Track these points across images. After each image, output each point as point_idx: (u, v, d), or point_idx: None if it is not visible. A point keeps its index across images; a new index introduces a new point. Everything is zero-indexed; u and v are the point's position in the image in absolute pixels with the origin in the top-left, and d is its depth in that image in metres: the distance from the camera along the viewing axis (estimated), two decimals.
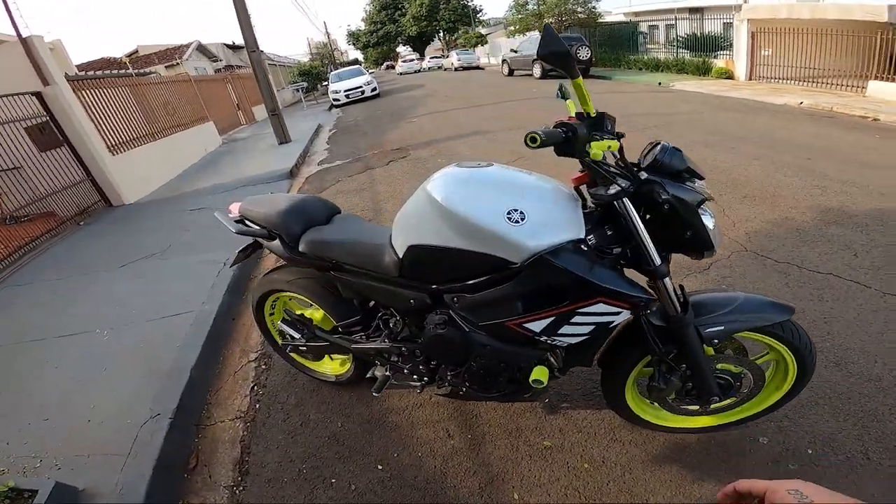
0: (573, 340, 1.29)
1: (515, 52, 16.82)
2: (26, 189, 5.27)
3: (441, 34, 41.96)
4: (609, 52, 15.44)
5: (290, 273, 1.85)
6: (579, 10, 18.68)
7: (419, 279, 1.41)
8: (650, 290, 1.27)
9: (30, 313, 3.39)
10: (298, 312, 1.97)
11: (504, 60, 17.98)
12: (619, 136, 1.18)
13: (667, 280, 1.24)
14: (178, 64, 15.34)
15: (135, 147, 7.06)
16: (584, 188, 1.27)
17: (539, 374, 1.38)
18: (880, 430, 1.60)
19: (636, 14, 17.07)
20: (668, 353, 1.36)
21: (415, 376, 1.66)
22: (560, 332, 1.26)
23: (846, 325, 2.15)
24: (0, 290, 3.94)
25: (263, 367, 2.43)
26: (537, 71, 14.82)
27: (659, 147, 1.18)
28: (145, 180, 6.94)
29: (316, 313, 1.93)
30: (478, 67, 25.57)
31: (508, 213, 1.17)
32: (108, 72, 9.26)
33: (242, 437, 1.99)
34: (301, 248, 1.63)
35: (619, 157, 1.19)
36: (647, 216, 1.20)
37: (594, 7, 18.69)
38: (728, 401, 1.47)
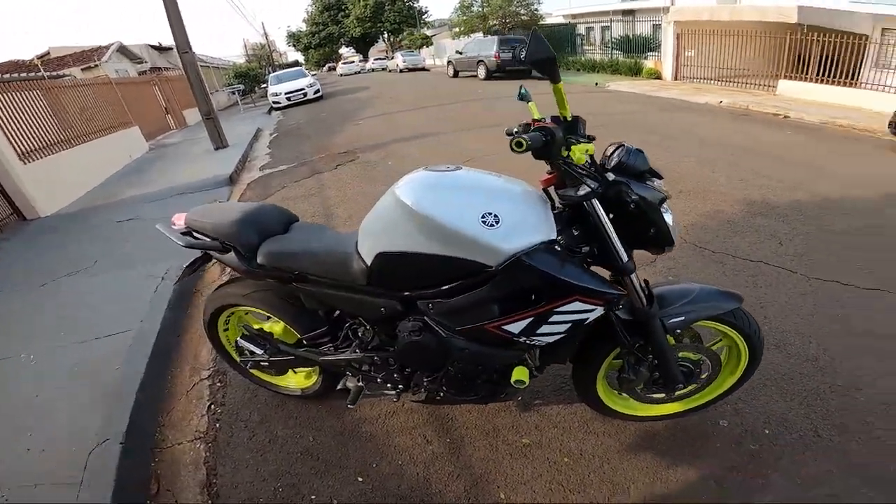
0: (551, 339, 1.31)
1: (461, 53, 17.02)
2: None
3: (386, 35, 41.54)
4: None
5: (246, 286, 1.75)
6: (522, 12, 19.26)
7: (390, 286, 1.38)
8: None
9: None
10: (257, 327, 1.87)
11: (449, 62, 18.14)
12: (591, 139, 1.21)
13: (633, 276, 1.30)
14: (96, 66, 14.05)
15: (50, 154, 6.37)
16: (552, 189, 1.30)
17: (520, 374, 1.39)
18: (824, 407, 1.75)
19: (574, 16, 17.87)
20: (636, 344, 1.42)
21: (389, 385, 1.62)
22: (539, 332, 1.28)
23: (780, 308, 2.36)
24: None
25: (219, 384, 2.29)
26: (482, 72, 15.11)
27: (623, 149, 1.24)
28: (64, 190, 6.29)
29: (276, 326, 1.84)
30: (423, 69, 25.56)
31: (483, 217, 1.17)
32: (16, 74, 8.30)
33: (206, 459, 1.87)
34: (259, 259, 1.54)
35: (590, 159, 1.22)
36: (611, 215, 1.24)
37: (536, 9, 19.35)
38: (690, 387, 1.56)
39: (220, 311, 1.89)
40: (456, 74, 17.48)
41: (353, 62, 35.10)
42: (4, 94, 5.85)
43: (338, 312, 1.68)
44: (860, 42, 7.92)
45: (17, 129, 5.90)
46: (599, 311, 1.26)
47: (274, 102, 15.89)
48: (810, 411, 1.74)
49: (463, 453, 1.72)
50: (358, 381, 1.70)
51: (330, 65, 47.17)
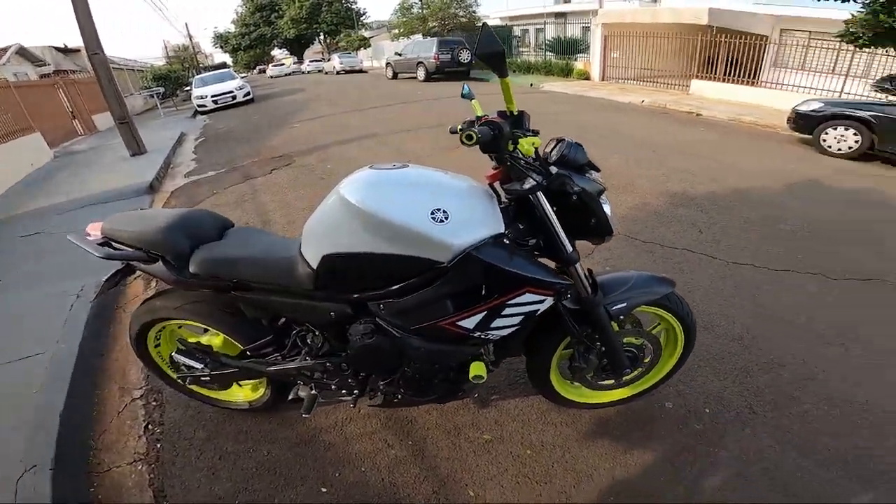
0: (505, 332, 1.33)
1: (400, 55, 16.90)
2: None
3: (322, 37, 40.24)
4: None
5: (177, 298, 1.61)
6: (461, 14, 19.52)
7: (338, 289, 1.33)
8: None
9: None
10: (194, 340, 1.73)
11: (388, 63, 17.96)
12: (535, 133, 1.24)
13: (578, 265, 1.35)
14: None
15: None
16: (497, 185, 1.32)
17: (477, 369, 1.40)
18: (754, 384, 1.92)
19: (511, 18, 18.39)
20: (584, 332, 1.48)
21: (344, 391, 1.57)
22: (492, 325, 1.29)
23: (705, 292, 2.57)
24: None
25: (154, 403, 2.11)
26: (421, 74, 15.11)
27: (564, 143, 1.28)
28: None
29: (215, 339, 1.72)
30: (361, 71, 25.14)
31: (432, 213, 1.16)
32: None
33: (151, 481, 1.72)
34: (192, 268, 1.42)
35: (535, 153, 1.25)
36: (555, 208, 1.28)
37: (474, 11, 19.69)
38: (636, 371, 1.65)
39: (148, 326, 1.72)
40: (395, 76, 17.35)
41: (284, 64, 33.93)
42: None
43: (283, 320, 1.59)
44: (761, 42, 8.77)
45: None
46: (549, 301, 1.30)
47: (199, 106, 14.81)
48: (743, 389, 1.89)
49: (426, 454, 1.70)
50: (311, 389, 1.62)
51: (260, 67, 45.10)
